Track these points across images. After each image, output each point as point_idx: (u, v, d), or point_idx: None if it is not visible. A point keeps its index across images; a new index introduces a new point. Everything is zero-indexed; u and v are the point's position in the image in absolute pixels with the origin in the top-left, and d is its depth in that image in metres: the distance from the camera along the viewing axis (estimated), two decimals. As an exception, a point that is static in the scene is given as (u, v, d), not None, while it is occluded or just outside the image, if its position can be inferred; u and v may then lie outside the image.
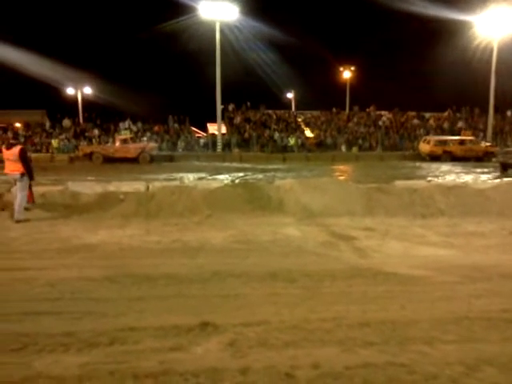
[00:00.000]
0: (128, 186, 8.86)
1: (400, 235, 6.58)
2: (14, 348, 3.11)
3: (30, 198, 8.02)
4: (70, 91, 45.56)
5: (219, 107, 31.58)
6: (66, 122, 35.26)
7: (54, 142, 30.62)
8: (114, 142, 26.80)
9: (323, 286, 4.40)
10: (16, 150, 7.81)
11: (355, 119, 37.85)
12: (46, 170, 19.95)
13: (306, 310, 3.81)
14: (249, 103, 39.10)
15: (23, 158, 7.80)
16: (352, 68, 45.71)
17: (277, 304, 3.91)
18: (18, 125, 37.95)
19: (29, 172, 7.85)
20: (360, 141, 32.66)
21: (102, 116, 36.73)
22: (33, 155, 27.24)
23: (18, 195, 7.68)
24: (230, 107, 37.86)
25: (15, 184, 7.85)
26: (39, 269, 4.98)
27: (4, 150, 8.02)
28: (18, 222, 7.51)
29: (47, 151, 29.83)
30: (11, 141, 8.29)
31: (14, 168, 7.79)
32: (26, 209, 7.84)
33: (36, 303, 3.94)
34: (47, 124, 35.71)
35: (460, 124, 35.71)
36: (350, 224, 7.30)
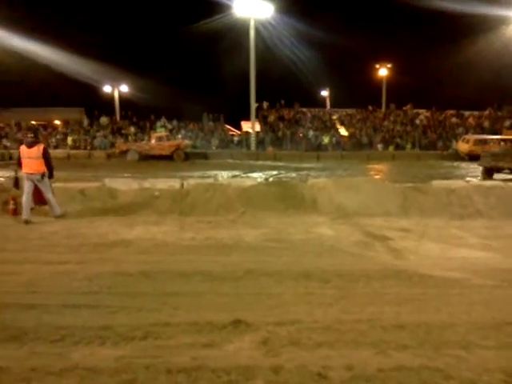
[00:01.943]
0: (163, 183, 8.99)
1: (436, 236, 6.45)
2: (53, 339, 3.20)
3: (38, 198, 7.78)
4: (107, 89, 46.47)
5: (253, 105, 31.65)
6: (104, 120, 36.08)
7: (69, 140, 31.44)
8: (149, 139, 27.26)
9: (357, 287, 4.35)
10: (40, 147, 7.69)
11: (391, 117, 37.26)
12: (84, 167, 20.49)
13: (339, 310, 3.78)
14: (283, 101, 39.03)
15: (46, 156, 7.72)
16: (388, 65, 44.87)
17: (310, 304, 3.89)
18: (57, 122, 39.05)
19: (50, 170, 7.77)
20: (397, 139, 32.14)
21: (138, 114, 37.39)
22: (71, 152, 28.15)
23: (48, 196, 7.70)
24: (265, 105, 37.85)
25: (34, 183, 7.64)
26: (78, 263, 5.11)
27: (25, 148, 7.70)
28: (57, 217, 7.68)
29: (85, 148, 30.60)
30: (30, 138, 7.92)
31: (35, 167, 7.59)
32: (32, 208, 7.69)
33: (74, 296, 4.05)
34: (85, 122, 36.60)
35: (508, 123, 34.41)
36: (385, 224, 7.20)
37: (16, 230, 6.97)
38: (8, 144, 29.55)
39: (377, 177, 17.03)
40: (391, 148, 30.94)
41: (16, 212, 7.74)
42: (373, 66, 45.23)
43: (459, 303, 3.94)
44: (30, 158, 7.61)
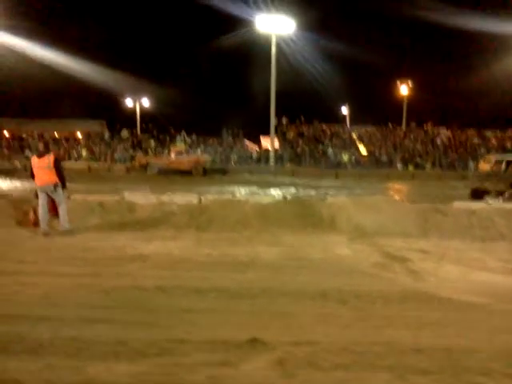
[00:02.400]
0: (181, 197, 9.02)
1: (457, 259, 6.32)
2: (69, 353, 3.20)
3: (53, 209, 7.73)
4: (128, 102, 47.19)
5: (273, 121, 31.77)
6: (124, 133, 36.61)
7: (83, 151, 31.89)
8: (169, 153, 27.50)
9: (375, 309, 4.28)
10: (51, 158, 7.63)
11: (412, 136, 37.04)
12: (104, 180, 20.72)
13: (356, 332, 3.72)
14: (302, 117, 39.11)
15: (58, 166, 7.65)
16: (409, 83, 44.69)
17: (327, 324, 3.84)
18: (78, 134, 39.74)
19: (63, 181, 7.67)
20: (417, 159, 31.89)
21: (158, 127, 37.85)
22: (92, 164, 28.56)
23: (61, 207, 7.60)
24: (284, 121, 37.97)
25: (47, 195, 7.59)
26: (94, 276, 5.14)
27: (36, 158, 7.69)
28: (65, 232, 7.49)
29: (105, 161, 31.02)
30: (41, 149, 7.98)
31: (47, 178, 7.53)
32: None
33: (91, 310, 4.06)
34: (106, 134, 37.19)
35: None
36: (404, 245, 7.10)
37: (34, 241, 7.04)
38: (30, 155, 30.09)
39: (396, 197, 16.86)
40: (411, 167, 30.69)
41: (36, 223, 7.82)
42: (394, 83, 45.08)
43: (480, 328, 3.85)
44: (41, 168, 7.57)
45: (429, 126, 38.50)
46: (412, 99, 44.23)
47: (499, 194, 13.52)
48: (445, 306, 4.39)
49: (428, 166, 31.26)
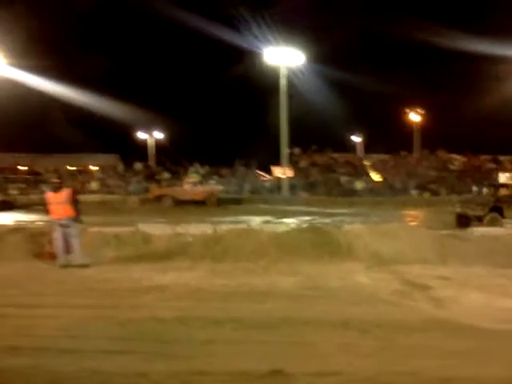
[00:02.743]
0: (196, 228, 9.01)
1: (479, 285, 6.18)
2: (90, 386, 3.17)
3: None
4: (140, 135, 47.90)
5: (285, 151, 31.90)
6: (138, 166, 37.04)
7: (94, 184, 32.25)
8: (182, 184, 27.67)
9: (397, 338, 4.19)
10: (67, 192, 7.76)
11: (424, 163, 36.91)
12: (119, 212, 20.84)
13: (379, 362, 3.63)
14: (314, 147, 39.28)
15: (74, 199, 7.74)
16: (420, 110, 44.85)
17: (349, 354, 3.76)
18: (92, 168, 40.32)
19: (78, 214, 7.72)
20: (431, 185, 31.67)
21: (171, 159, 38.20)
22: (107, 197, 28.82)
23: (74, 241, 7.59)
24: (296, 151, 38.16)
25: (62, 228, 7.61)
26: (112, 308, 5.13)
27: (51, 194, 7.80)
28: (81, 266, 7.43)
29: (119, 193, 31.28)
30: (56, 184, 8.11)
31: (63, 212, 7.59)
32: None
33: (110, 341, 4.04)
34: (120, 167, 37.66)
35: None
36: (423, 272, 6.97)
37: (53, 274, 7.07)
38: (46, 190, 30.51)
39: (413, 223, 16.69)
40: (426, 194, 30.44)
41: (53, 256, 7.86)
42: (403, 111, 45.30)
43: (507, 357, 3.73)
44: (57, 202, 7.66)
45: (441, 153, 38.36)
46: (423, 126, 44.37)
47: (478, 219, 13.32)
48: (469, 334, 4.28)
49: (443, 192, 30.97)
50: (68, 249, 7.69)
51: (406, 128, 45.31)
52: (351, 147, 46.42)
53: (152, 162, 43.36)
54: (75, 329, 4.38)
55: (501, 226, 12.34)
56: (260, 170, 40.93)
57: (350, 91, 38.28)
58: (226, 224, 11.45)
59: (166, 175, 34.60)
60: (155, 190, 27.83)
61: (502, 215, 13.32)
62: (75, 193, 8.10)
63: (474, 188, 28.27)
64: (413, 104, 44.39)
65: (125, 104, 36.50)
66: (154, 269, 7.23)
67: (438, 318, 4.79)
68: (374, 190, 31.25)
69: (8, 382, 3.20)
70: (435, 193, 30.84)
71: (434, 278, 6.57)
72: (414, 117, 44.89)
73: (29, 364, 3.51)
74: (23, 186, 32.88)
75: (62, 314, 4.86)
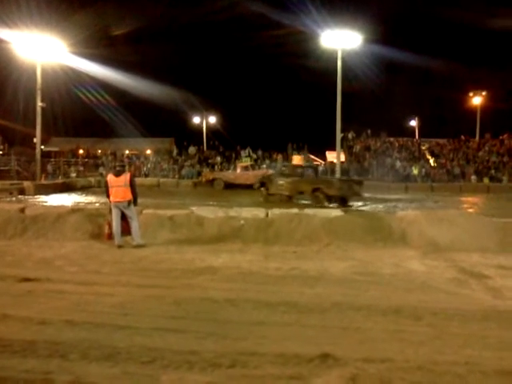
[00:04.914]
0: (248, 211, 9.07)
1: (541, 276, 5.91)
2: (144, 361, 3.28)
3: (126, 229, 8.02)
4: (196, 120, 48.78)
5: (339, 135, 31.39)
6: (192, 150, 37.67)
7: (149, 167, 32.95)
8: (235, 168, 27.91)
9: (452, 327, 4.07)
10: (127, 176, 8.11)
11: (486, 147, 35.34)
12: (173, 195, 21.33)
13: (432, 350, 3.55)
14: (369, 131, 38.47)
15: (133, 183, 8.06)
16: (483, 92, 42.77)
17: (401, 341, 3.69)
18: (148, 152, 41.37)
19: (135, 197, 8.07)
20: (492, 171, 30.31)
21: (224, 143, 38.61)
22: (161, 180, 29.54)
23: (133, 223, 7.93)
24: (350, 135, 37.52)
25: (121, 210, 7.97)
26: (166, 287, 5.28)
27: (113, 177, 8.15)
28: (137, 247, 7.74)
29: (174, 177, 31.97)
30: (118, 168, 8.50)
31: (123, 195, 7.96)
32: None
33: (164, 320, 4.16)
34: (174, 151, 38.42)
35: None
36: (482, 261, 6.73)
37: (110, 253, 7.34)
38: (104, 172, 31.56)
39: (471, 210, 16.09)
40: (486, 180, 29.19)
41: (111, 236, 8.16)
42: (466, 93, 43.40)
43: None
44: (119, 186, 8.01)
45: (505, 137, 36.56)
46: (486, 110, 42.38)
47: None
48: (529, 326, 4.10)
49: (505, 178, 29.58)
50: (125, 230, 8.01)
51: (468, 112, 43.46)
52: (409, 131, 45.19)
53: (205, 146, 43.97)
54: (130, 307, 4.52)
55: None
56: (313, 155, 40.62)
57: (408, 73, 37.12)
58: (278, 208, 11.46)
59: (219, 159, 34.97)
60: (208, 174, 28.24)
61: None
62: (133, 176, 8.36)
63: None
64: (476, 86, 42.48)
65: (183, 91, 37.20)
66: (206, 251, 7.38)
67: (495, 308, 4.60)
68: (430, 175, 30.28)
69: (65, 354, 3.37)
70: (496, 179, 29.49)
71: (493, 267, 6.32)
72: (477, 100, 42.88)
73: (85, 338, 3.67)
74: (82, 168, 34.33)
75: (118, 292, 5.04)
